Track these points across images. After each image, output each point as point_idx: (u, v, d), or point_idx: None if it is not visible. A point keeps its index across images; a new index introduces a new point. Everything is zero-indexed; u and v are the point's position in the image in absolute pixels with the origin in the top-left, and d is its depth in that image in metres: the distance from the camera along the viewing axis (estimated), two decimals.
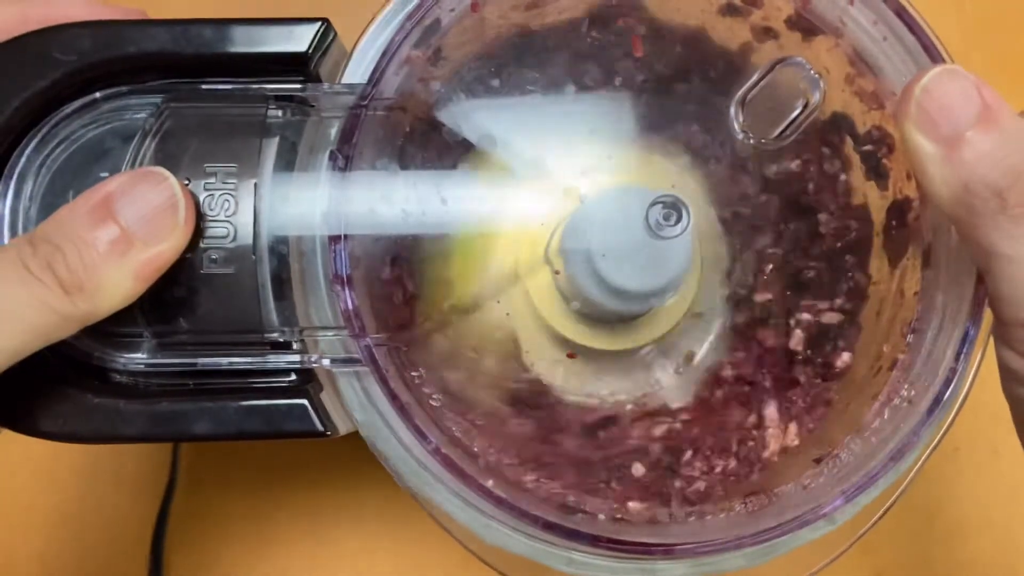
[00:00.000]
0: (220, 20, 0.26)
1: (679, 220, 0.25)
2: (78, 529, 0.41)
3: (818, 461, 0.27)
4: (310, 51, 0.26)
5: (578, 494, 0.27)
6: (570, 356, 0.31)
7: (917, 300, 0.27)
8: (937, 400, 0.25)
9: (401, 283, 0.29)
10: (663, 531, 0.27)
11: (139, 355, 0.26)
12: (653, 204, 0.25)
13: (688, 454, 0.29)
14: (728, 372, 0.31)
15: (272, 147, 0.25)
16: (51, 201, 0.25)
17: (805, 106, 0.25)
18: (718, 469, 0.29)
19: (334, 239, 0.25)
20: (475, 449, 0.28)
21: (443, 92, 0.28)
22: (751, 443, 0.29)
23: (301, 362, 0.26)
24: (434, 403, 0.28)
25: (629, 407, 0.31)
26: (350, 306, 0.25)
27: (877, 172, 0.29)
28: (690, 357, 0.31)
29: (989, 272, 0.22)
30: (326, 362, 0.26)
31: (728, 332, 0.31)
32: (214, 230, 0.24)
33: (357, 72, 0.27)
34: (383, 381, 0.25)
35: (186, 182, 0.24)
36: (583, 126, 0.31)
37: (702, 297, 0.31)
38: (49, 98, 0.25)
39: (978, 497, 0.42)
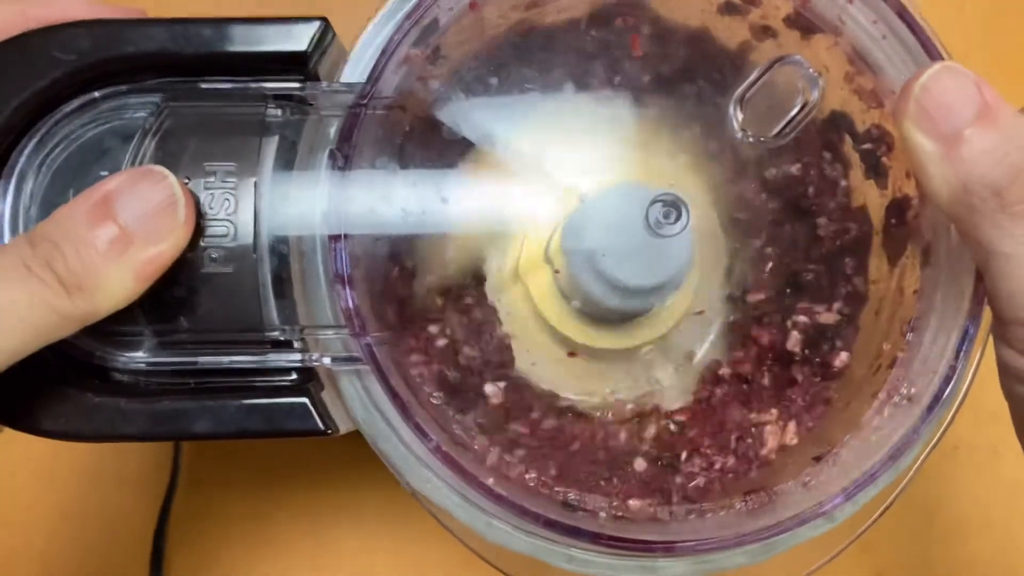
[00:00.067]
0: (219, 19, 0.26)
1: (679, 218, 0.25)
2: (78, 528, 0.41)
3: (818, 459, 0.27)
4: (309, 50, 0.26)
5: (579, 492, 0.27)
6: (571, 355, 0.31)
7: (916, 298, 0.27)
8: (937, 398, 0.25)
9: (401, 281, 0.29)
10: (664, 528, 0.27)
11: (140, 354, 0.26)
12: (653, 202, 0.25)
13: (687, 452, 0.29)
14: (727, 371, 0.31)
15: (272, 146, 0.25)
16: (51, 200, 0.25)
17: (804, 104, 0.25)
18: (717, 466, 0.29)
19: (334, 238, 0.25)
20: (476, 447, 0.28)
21: (442, 91, 0.28)
22: (749, 440, 0.29)
23: (302, 361, 0.26)
24: (434, 401, 0.28)
25: (629, 405, 0.31)
26: (350, 305, 0.25)
27: (876, 171, 0.29)
28: (690, 356, 0.31)
29: (988, 270, 0.22)
30: (327, 361, 0.26)
31: (728, 331, 0.32)
32: (214, 229, 0.24)
33: (356, 71, 0.27)
34: (384, 379, 0.25)
35: (186, 181, 0.24)
36: (583, 125, 0.31)
37: (702, 296, 0.31)
38: (49, 97, 0.25)
39: (977, 496, 0.42)
